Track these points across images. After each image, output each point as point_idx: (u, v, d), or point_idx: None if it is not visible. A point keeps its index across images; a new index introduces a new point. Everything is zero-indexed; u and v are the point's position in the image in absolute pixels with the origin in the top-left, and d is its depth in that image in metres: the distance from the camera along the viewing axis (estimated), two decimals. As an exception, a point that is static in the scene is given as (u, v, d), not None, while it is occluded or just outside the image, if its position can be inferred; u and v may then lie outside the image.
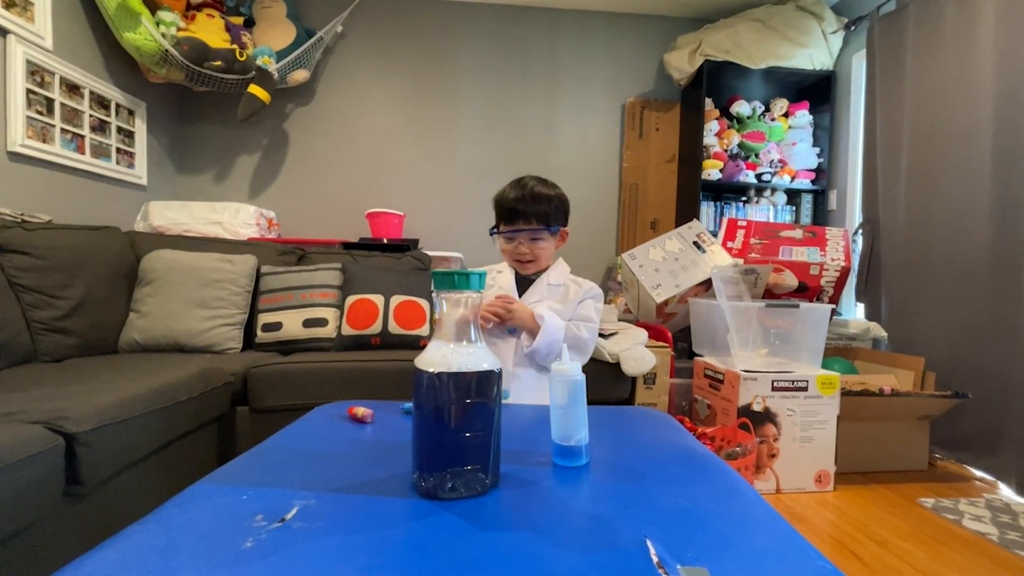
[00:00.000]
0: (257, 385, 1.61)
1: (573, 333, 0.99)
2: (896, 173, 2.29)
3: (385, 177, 2.96)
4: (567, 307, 1.02)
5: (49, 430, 0.94)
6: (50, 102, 2.00)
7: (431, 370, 0.51)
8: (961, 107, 2.00)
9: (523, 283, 1.09)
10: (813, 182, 2.87)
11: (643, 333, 1.91)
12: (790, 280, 2.12)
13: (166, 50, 2.27)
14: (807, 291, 2.13)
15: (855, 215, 2.66)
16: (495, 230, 1.03)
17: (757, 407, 1.66)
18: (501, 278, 1.07)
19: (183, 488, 0.52)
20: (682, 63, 2.80)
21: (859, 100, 2.68)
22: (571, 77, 3.06)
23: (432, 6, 2.97)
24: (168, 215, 2.40)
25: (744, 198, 2.95)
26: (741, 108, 2.86)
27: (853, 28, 2.63)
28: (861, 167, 2.60)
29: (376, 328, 1.92)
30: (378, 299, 1.96)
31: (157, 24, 2.28)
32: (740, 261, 2.14)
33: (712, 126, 2.84)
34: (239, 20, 2.63)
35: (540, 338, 0.89)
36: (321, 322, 1.98)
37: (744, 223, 2.37)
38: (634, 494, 0.53)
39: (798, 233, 2.26)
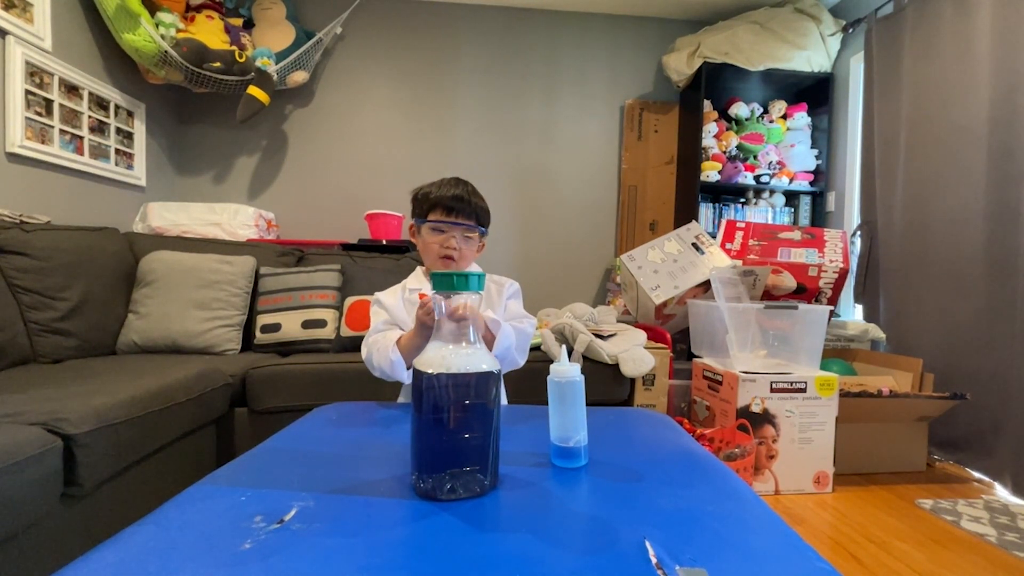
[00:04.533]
0: (256, 386, 1.61)
1: (522, 334, 0.95)
2: (894, 175, 2.29)
3: (384, 178, 2.96)
4: (496, 313, 0.99)
5: (47, 431, 0.94)
6: (49, 103, 2.00)
7: (430, 371, 0.51)
8: (958, 109, 2.01)
9: None
10: (811, 184, 2.88)
11: (642, 334, 1.92)
12: (788, 281, 2.12)
13: (165, 51, 2.27)
14: (805, 292, 2.14)
15: (853, 217, 2.67)
16: (423, 219, 0.95)
17: (756, 408, 1.66)
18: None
19: (182, 489, 0.52)
20: (681, 65, 2.80)
21: (857, 102, 2.68)
22: (570, 79, 3.06)
23: (431, 8, 2.97)
24: (167, 216, 2.40)
25: (743, 200, 2.95)
26: (739, 110, 2.87)
27: (851, 31, 2.63)
28: (859, 169, 2.60)
29: (375, 329, 1.92)
30: (377, 300, 1.96)
31: (156, 25, 2.28)
32: (739, 262, 2.14)
33: (711, 128, 2.85)
34: (238, 21, 2.63)
35: (497, 346, 0.87)
36: (320, 323, 1.98)
37: (743, 225, 2.38)
38: (633, 495, 0.53)
39: (796, 235, 2.27)
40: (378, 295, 1.01)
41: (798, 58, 2.71)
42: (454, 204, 0.94)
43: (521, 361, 0.95)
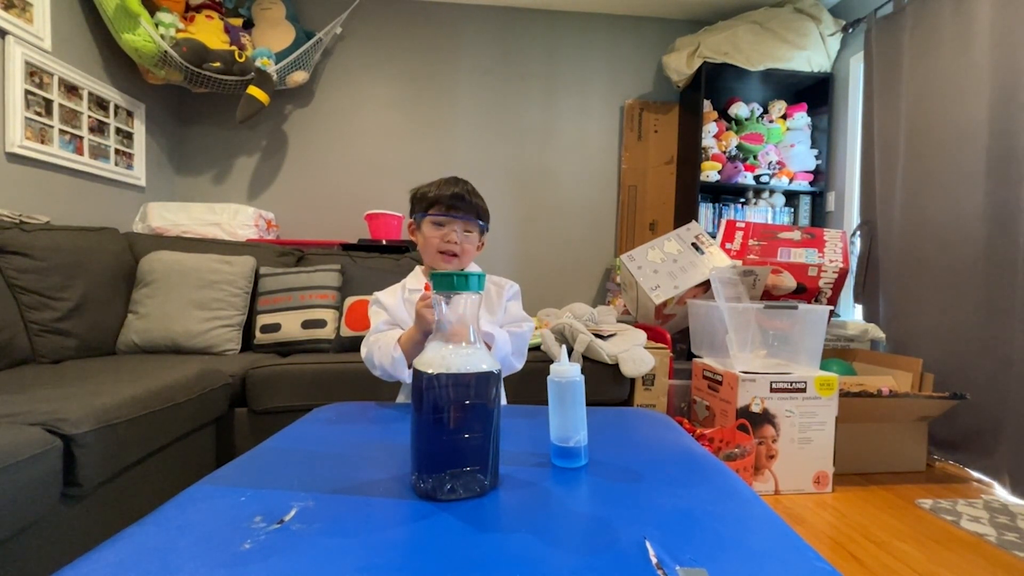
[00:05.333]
0: (256, 386, 1.61)
1: (519, 338, 0.95)
2: (893, 175, 2.29)
3: (384, 178, 2.96)
4: (496, 315, 0.99)
5: (47, 432, 0.94)
6: (49, 103, 2.00)
7: (430, 371, 0.51)
8: (957, 109, 2.01)
9: None
10: (811, 184, 2.88)
11: (642, 334, 1.92)
12: (788, 281, 2.12)
13: (165, 51, 2.27)
14: (805, 292, 2.14)
15: (853, 217, 2.67)
16: (423, 214, 0.95)
17: (756, 408, 1.66)
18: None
19: (181, 490, 0.52)
20: (681, 65, 2.80)
21: (857, 102, 2.68)
22: (570, 79, 3.06)
23: (431, 8, 2.97)
24: (167, 216, 2.40)
25: (742, 200, 2.95)
26: (739, 110, 2.87)
27: (851, 30, 2.63)
28: (859, 169, 2.60)
29: (375, 329, 1.92)
30: (377, 300, 1.96)
31: (156, 25, 2.28)
32: (739, 262, 2.14)
33: (710, 128, 2.85)
34: (238, 21, 2.62)
35: (493, 355, 0.87)
36: (320, 323, 1.97)
37: (742, 224, 2.38)
38: (633, 495, 0.53)
39: (796, 234, 2.27)
40: (377, 295, 1.00)
41: (798, 58, 2.71)
42: (453, 202, 0.94)
43: (519, 365, 0.95)
